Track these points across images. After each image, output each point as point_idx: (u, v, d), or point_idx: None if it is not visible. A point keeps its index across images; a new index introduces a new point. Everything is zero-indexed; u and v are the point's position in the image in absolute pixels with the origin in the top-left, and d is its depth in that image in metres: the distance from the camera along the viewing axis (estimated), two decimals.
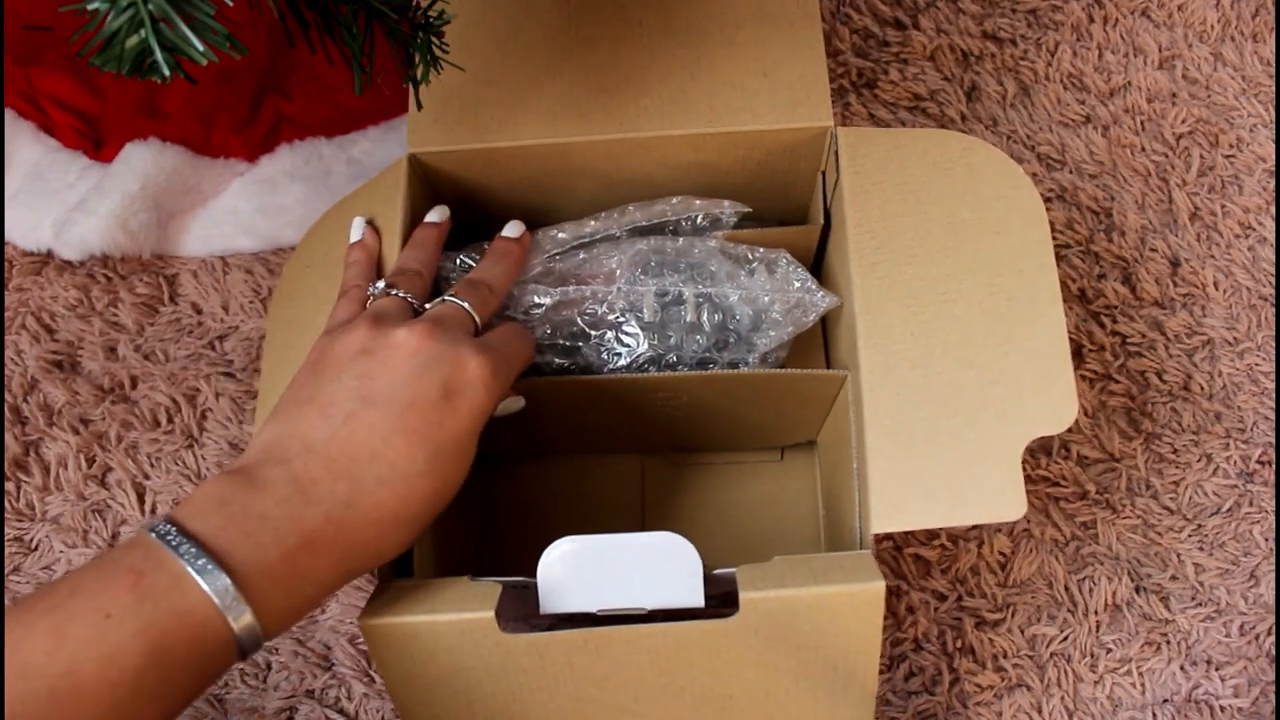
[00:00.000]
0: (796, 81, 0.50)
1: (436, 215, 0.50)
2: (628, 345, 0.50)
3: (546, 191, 0.53)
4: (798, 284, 0.50)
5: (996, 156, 0.48)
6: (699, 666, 0.41)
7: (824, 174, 0.52)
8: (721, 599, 0.41)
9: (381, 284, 0.44)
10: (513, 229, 0.50)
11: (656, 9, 0.52)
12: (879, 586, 0.39)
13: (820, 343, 0.56)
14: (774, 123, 0.49)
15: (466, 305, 0.42)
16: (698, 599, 0.40)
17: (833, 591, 0.39)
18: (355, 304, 0.44)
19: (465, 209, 0.54)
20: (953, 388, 0.44)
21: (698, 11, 0.52)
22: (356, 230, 0.48)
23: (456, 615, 0.39)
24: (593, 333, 0.50)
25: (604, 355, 0.51)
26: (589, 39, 0.51)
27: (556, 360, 0.51)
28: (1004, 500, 0.42)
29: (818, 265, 0.55)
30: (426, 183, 0.52)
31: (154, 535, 0.33)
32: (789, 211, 0.56)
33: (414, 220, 0.49)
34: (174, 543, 0.33)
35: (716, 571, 0.41)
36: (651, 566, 0.40)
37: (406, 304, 0.43)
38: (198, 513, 0.34)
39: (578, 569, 0.40)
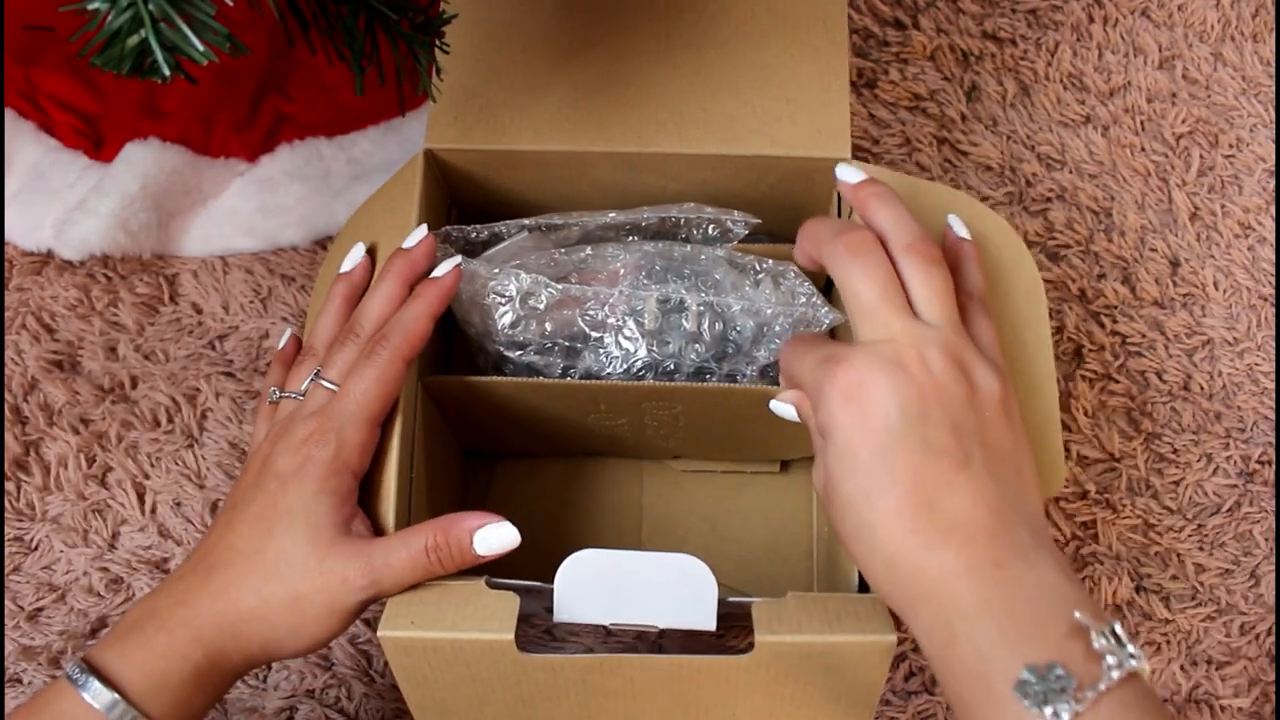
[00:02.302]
0: (818, 110, 0.50)
1: (349, 263, 0.49)
2: (625, 350, 0.50)
3: (560, 197, 0.53)
4: (803, 298, 0.49)
5: (1004, 228, 0.48)
6: (708, 691, 0.41)
7: (839, 200, 0.52)
8: (729, 619, 0.41)
9: (276, 392, 0.47)
10: (413, 237, 0.47)
11: (684, 26, 0.52)
12: (890, 640, 0.39)
13: None
14: (792, 149, 0.49)
15: (326, 382, 0.44)
16: (710, 624, 0.41)
17: (846, 641, 0.39)
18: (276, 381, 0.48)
19: (479, 208, 0.54)
20: None
21: (725, 32, 0.52)
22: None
23: (477, 635, 0.39)
24: (593, 334, 0.50)
25: (603, 358, 0.50)
26: (616, 50, 0.51)
27: (557, 362, 0.51)
28: None
29: (827, 290, 0.55)
30: (442, 178, 0.52)
31: (66, 675, 0.39)
32: (795, 232, 0.56)
33: (429, 215, 0.49)
34: (77, 678, 0.39)
35: (731, 599, 0.41)
36: (667, 586, 0.41)
37: (297, 403, 0.45)
38: (109, 644, 0.40)
39: (594, 582, 0.41)
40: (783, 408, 0.43)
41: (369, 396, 0.43)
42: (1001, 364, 0.41)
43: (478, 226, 0.51)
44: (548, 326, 0.50)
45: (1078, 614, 0.34)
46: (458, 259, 0.47)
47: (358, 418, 0.43)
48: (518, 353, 0.51)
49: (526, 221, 0.51)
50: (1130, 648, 0.33)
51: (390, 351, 0.43)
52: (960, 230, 0.45)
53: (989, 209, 0.48)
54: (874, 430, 0.37)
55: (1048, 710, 0.32)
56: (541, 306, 0.49)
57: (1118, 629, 0.34)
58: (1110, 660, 0.33)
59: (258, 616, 0.40)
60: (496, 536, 0.42)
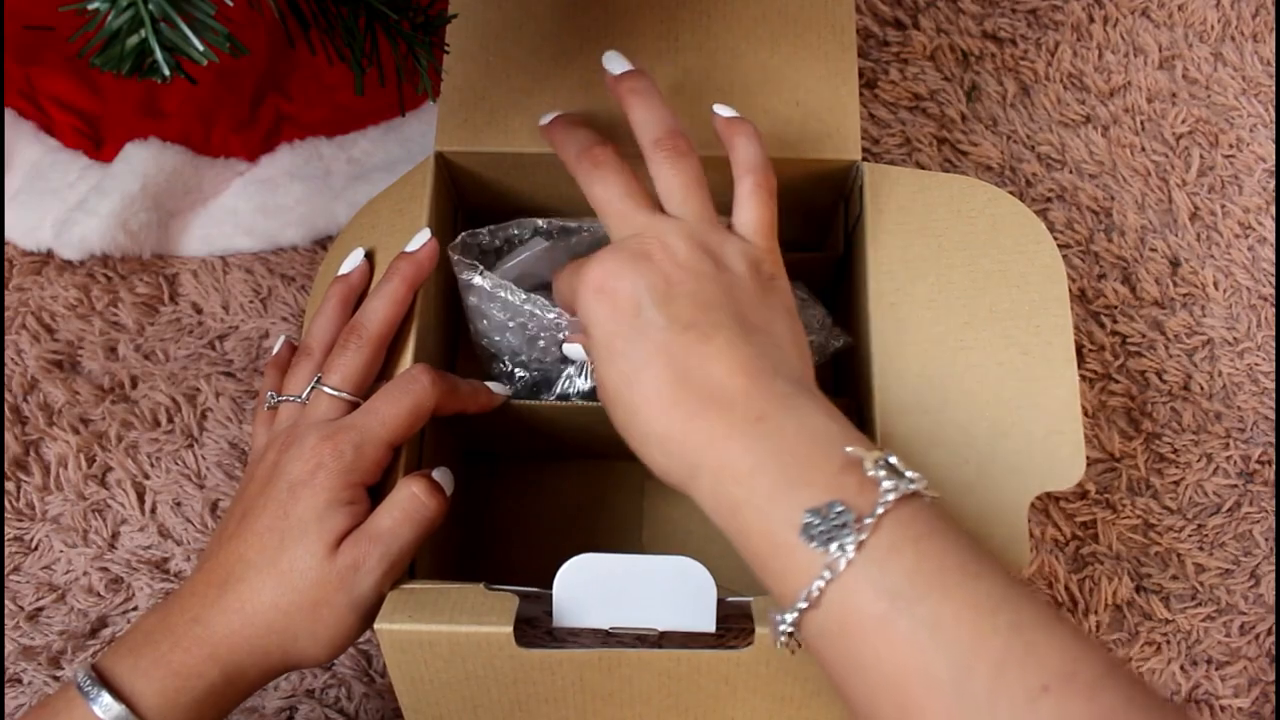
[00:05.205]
0: (827, 113, 0.50)
1: (348, 265, 0.49)
2: None
3: (569, 199, 0.53)
4: (816, 323, 0.50)
5: (1020, 210, 0.48)
6: (707, 691, 0.41)
7: (846, 201, 0.52)
8: (728, 619, 0.41)
9: (274, 396, 0.47)
10: (417, 240, 0.48)
11: (693, 28, 0.52)
12: None
13: (828, 367, 0.56)
14: (802, 153, 0.49)
15: (329, 389, 0.44)
16: (709, 624, 0.41)
17: None
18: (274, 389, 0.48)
19: (486, 210, 0.54)
20: (964, 436, 0.44)
21: (735, 34, 0.52)
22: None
23: (474, 628, 0.39)
24: None
25: None
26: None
27: (574, 374, 0.51)
28: (1008, 551, 0.43)
29: (834, 291, 0.55)
30: (452, 181, 0.52)
31: (75, 684, 0.39)
32: (805, 233, 0.57)
33: (438, 217, 0.49)
34: (87, 689, 0.38)
35: (730, 599, 0.41)
36: (666, 589, 0.41)
37: (297, 406, 0.45)
38: (122, 655, 0.40)
39: (594, 586, 0.41)
40: (571, 348, 0.46)
41: (398, 423, 0.43)
42: (765, 243, 0.42)
43: (491, 229, 0.51)
44: (565, 346, 0.50)
45: (849, 448, 0.34)
46: (426, 232, 0.48)
47: (380, 439, 0.42)
48: (536, 369, 0.51)
49: (540, 223, 0.51)
50: (908, 473, 0.34)
51: (429, 386, 0.43)
52: (727, 111, 0.46)
53: (1003, 191, 0.48)
54: (624, 317, 0.38)
55: (833, 546, 0.32)
56: (563, 323, 0.49)
57: (891, 458, 0.34)
58: (886, 485, 0.33)
59: (276, 629, 0.40)
60: (444, 478, 0.44)
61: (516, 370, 0.51)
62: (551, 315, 0.48)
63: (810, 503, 0.33)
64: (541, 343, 0.49)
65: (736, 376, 0.37)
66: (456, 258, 0.49)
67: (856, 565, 0.32)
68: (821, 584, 0.32)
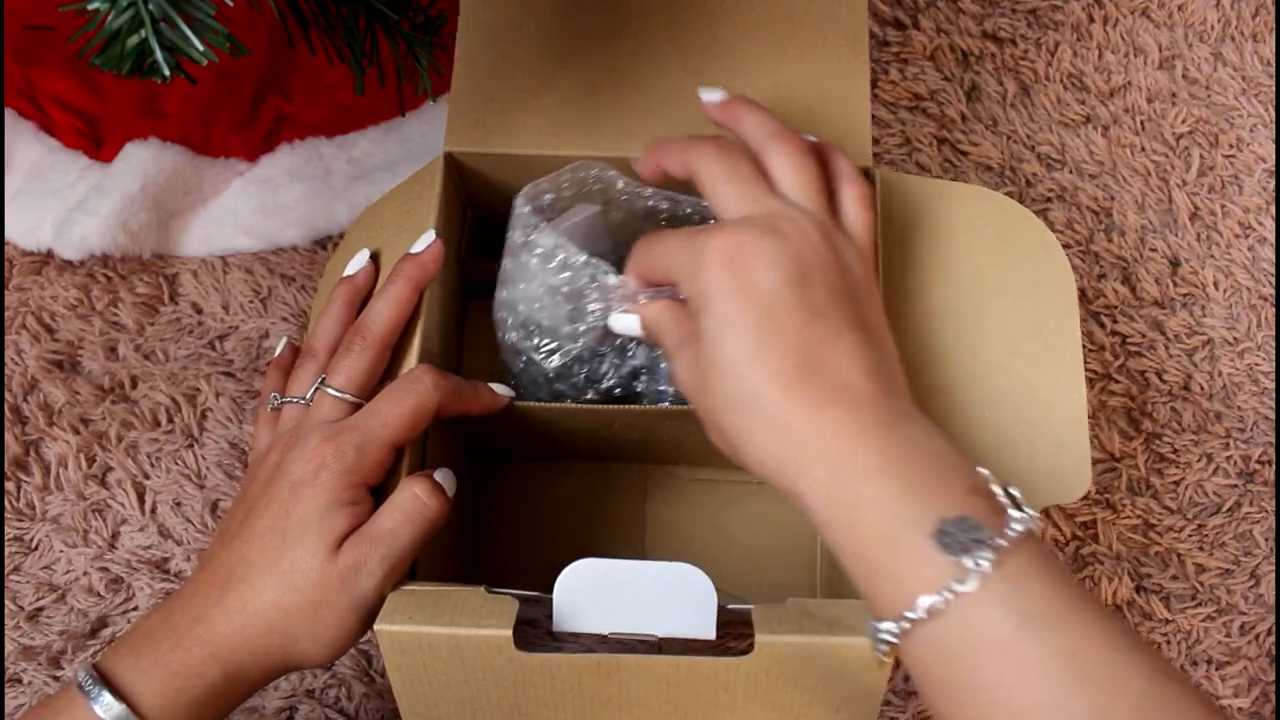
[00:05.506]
0: (839, 119, 0.50)
1: (353, 267, 0.49)
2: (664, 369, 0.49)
3: None
4: None
5: (1030, 220, 0.47)
6: (705, 698, 0.41)
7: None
8: (728, 625, 0.41)
9: (278, 398, 0.47)
10: (422, 241, 0.47)
11: (701, 32, 0.51)
12: (893, 643, 0.39)
13: None
14: None
15: (333, 390, 0.44)
16: (710, 633, 0.40)
17: (845, 643, 0.39)
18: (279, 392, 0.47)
19: (495, 211, 0.54)
20: (969, 446, 0.44)
21: (744, 39, 0.51)
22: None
23: (474, 630, 0.38)
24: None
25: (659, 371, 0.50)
26: (634, 55, 0.51)
27: (614, 359, 0.50)
28: None
29: None
30: (461, 182, 0.52)
31: (76, 683, 0.38)
32: None
33: (446, 218, 0.49)
34: (88, 689, 0.38)
35: (731, 606, 0.41)
36: (666, 595, 0.40)
37: (301, 408, 0.45)
38: (123, 654, 0.40)
39: (594, 591, 0.40)
40: (621, 321, 0.44)
41: (401, 424, 0.43)
42: (869, 251, 0.42)
43: (552, 176, 0.48)
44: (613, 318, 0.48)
45: (981, 470, 0.34)
46: (431, 234, 0.47)
47: (383, 440, 0.42)
48: (580, 340, 0.48)
49: (593, 171, 0.48)
50: (1028, 509, 0.33)
51: (432, 387, 0.43)
52: (808, 137, 0.45)
53: (1014, 201, 0.48)
54: (756, 292, 0.37)
55: (967, 559, 0.31)
56: (625, 290, 0.47)
57: (1015, 491, 0.34)
58: (1014, 514, 0.33)
59: (277, 630, 0.40)
60: (446, 479, 0.44)
61: (548, 343, 0.49)
62: (613, 280, 0.46)
63: (945, 513, 0.33)
64: (596, 312, 0.48)
65: (865, 378, 0.36)
66: (521, 210, 0.47)
67: (990, 582, 0.31)
68: (949, 595, 0.31)
